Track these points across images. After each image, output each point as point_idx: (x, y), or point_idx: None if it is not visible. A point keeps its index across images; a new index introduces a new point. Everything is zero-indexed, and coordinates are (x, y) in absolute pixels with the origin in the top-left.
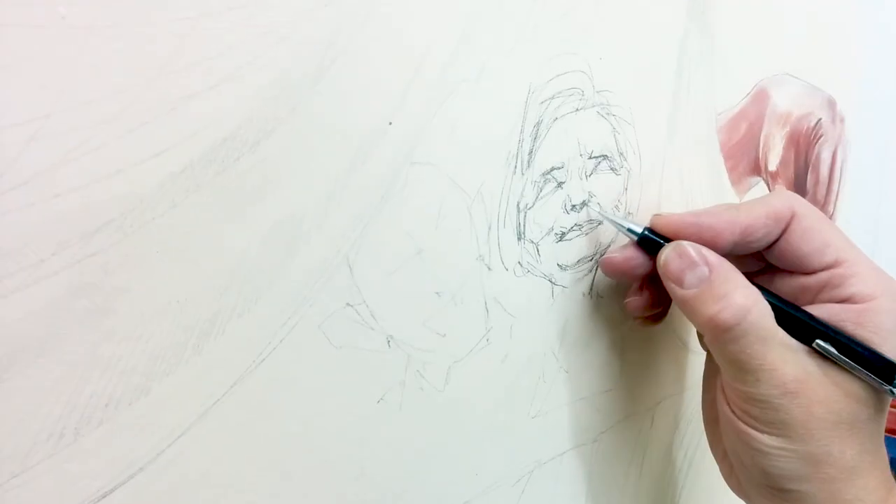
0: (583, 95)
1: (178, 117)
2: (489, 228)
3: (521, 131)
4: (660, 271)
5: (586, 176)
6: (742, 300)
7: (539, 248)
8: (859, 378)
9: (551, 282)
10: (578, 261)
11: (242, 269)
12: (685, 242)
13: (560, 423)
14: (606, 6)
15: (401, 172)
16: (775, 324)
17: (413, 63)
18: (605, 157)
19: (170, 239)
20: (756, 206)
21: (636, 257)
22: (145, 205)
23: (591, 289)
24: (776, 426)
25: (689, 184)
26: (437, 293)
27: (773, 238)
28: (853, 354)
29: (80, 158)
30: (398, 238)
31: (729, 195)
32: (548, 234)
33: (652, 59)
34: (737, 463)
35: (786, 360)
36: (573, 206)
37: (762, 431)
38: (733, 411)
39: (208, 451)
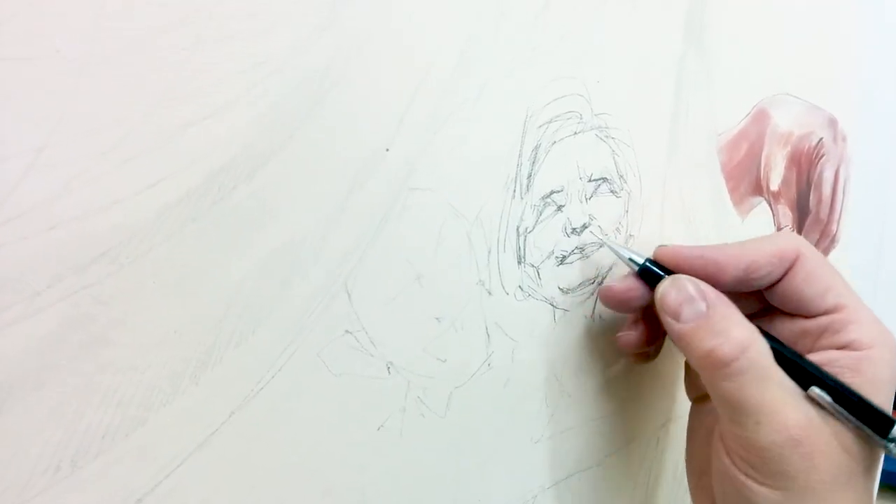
0: (581, 119)
1: (175, 148)
2: (489, 252)
3: (520, 155)
4: (657, 304)
5: (586, 199)
6: (740, 336)
7: (540, 271)
8: (855, 430)
9: (553, 305)
10: (580, 284)
11: (240, 298)
12: (684, 277)
13: (564, 447)
14: (603, 29)
15: (399, 198)
16: (775, 363)
17: (410, 89)
18: (604, 179)
19: (166, 270)
20: (762, 243)
21: (636, 288)
22: (141, 236)
23: (593, 311)
24: (777, 479)
25: (690, 205)
26: (437, 318)
27: (776, 277)
28: (850, 405)
29: (76, 190)
30: (397, 264)
31: (731, 216)
32: (548, 257)
33: (650, 81)
34: None
35: (786, 403)
36: (573, 229)
37: (762, 484)
38: (734, 462)
39: (206, 481)
